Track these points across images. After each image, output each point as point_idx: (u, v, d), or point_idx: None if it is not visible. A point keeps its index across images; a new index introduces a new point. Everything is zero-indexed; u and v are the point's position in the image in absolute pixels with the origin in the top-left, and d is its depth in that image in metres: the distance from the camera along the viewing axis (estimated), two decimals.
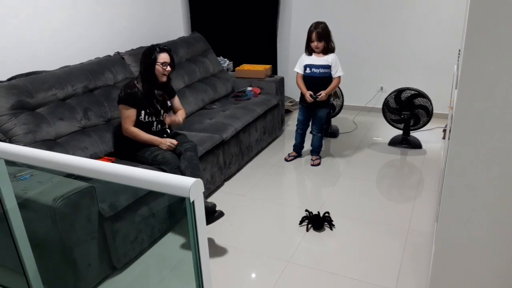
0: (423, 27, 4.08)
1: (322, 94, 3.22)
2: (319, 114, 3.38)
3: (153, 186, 1.23)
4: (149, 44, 3.46)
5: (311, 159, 3.49)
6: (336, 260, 2.32)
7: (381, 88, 4.46)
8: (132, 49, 3.31)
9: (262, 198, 2.99)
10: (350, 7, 4.31)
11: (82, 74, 2.75)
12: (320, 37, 3.16)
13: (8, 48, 2.66)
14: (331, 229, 2.59)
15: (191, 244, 1.25)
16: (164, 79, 2.64)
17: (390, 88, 4.01)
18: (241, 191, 3.09)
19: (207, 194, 2.99)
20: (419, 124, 3.62)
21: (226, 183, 3.22)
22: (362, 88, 4.54)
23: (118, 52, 3.20)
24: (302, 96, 3.33)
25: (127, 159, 2.61)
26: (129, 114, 2.56)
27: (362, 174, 3.27)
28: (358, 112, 4.59)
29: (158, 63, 2.55)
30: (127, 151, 2.65)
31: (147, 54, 2.58)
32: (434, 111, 3.57)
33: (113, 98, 2.86)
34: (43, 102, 2.48)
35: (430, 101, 3.48)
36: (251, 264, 2.32)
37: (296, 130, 3.52)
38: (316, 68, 3.23)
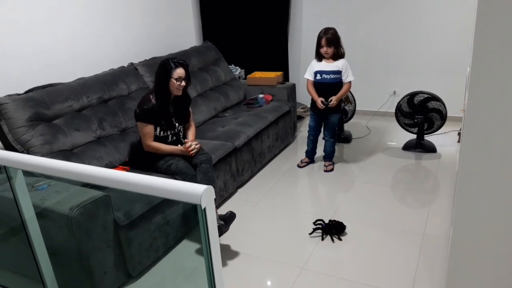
0: (435, 30, 4.05)
1: (333, 100, 3.22)
2: (331, 120, 3.37)
3: (165, 194, 1.26)
4: (162, 54, 3.55)
5: (324, 165, 3.48)
6: (350, 266, 2.31)
7: (394, 92, 4.43)
8: (146, 60, 3.37)
9: (276, 205, 2.99)
10: (361, 12, 4.31)
11: (97, 85, 2.81)
12: (330, 43, 3.17)
13: (23, 59, 2.73)
14: (340, 239, 2.56)
15: (204, 251, 1.27)
16: (179, 93, 2.62)
17: (403, 92, 3.98)
18: (254, 198, 3.10)
19: (220, 201, 3.01)
20: (433, 128, 3.58)
21: (239, 190, 3.23)
22: (375, 92, 4.52)
23: (131, 63, 3.26)
24: (313, 102, 3.34)
25: (141, 169, 2.65)
26: (148, 130, 2.58)
27: (376, 180, 3.25)
28: (371, 117, 4.57)
29: (173, 79, 2.53)
30: (141, 161, 2.69)
31: (162, 69, 2.55)
32: (449, 114, 3.53)
33: (127, 108, 2.91)
34: (59, 113, 2.54)
35: (443, 104, 3.45)
36: (265, 271, 2.32)
37: (308, 137, 3.52)
38: (326, 74, 3.24)
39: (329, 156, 3.51)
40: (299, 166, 3.56)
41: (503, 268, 1.65)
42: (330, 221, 2.63)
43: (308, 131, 3.51)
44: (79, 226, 1.95)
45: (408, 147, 3.71)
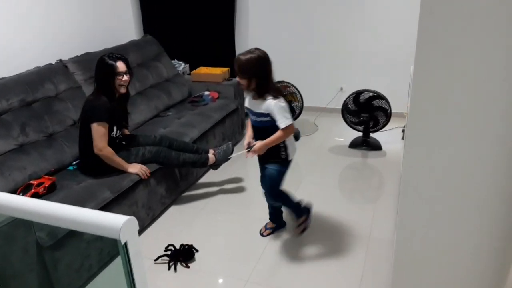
0: (381, 27, 4.06)
1: (256, 146, 2.24)
2: (267, 172, 2.35)
3: (78, 226, 1.09)
4: (95, 50, 3.28)
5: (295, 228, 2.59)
6: (296, 274, 2.23)
7: (341, 89, 4.42)
8: (77, 56, 3.08)
9: (222, 210, 2.87)
10: (309, 6, 4.23)
11: (18, 86, 2.52)
12: (242, 72, 2.14)
13: None
14: (187, 266, 2.33)
15: None
16: (124, 90, 2.50)
17: (350, 88, 3.98)
18: (199, 204, 2.95)
19: (162, 208, 2.83)
20: (378, 125, 3.60)
21: (182, 196, 3.06)
22: (322, 88, 4.49)
23: (60, 60, 2.96)
24: None
25: (93, 175, 2.44)
26: (106, 131, 2.40)
27: (322, 180, 3.21)
28: (319, 113, 4.54)
29: (118, 75, 2.42)
30: (94, 165, 2.47)
31: (103, 68, 2.42)
32: (393, 111, 3.55)
33: (55, 110, 2.65)
34: None
35: (388, 103, 3.46)
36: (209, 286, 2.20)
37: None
38: (253, 115, 2.28)
39: (275, 220, 2.63)
40: (262, 235, 2.61)
41: (447, 270, 1.64)
42: (181, 245, 2.43)
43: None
44: None
45: (354, 145, 3.71)
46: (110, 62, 2.40)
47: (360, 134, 3.72)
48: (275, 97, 2.15)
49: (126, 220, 1.03)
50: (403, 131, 3.76)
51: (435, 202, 1.56)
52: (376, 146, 3.64)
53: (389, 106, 3.46)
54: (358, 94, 3.49)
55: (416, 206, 1.60)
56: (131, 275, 1.11)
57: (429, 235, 1.62)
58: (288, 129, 2.17)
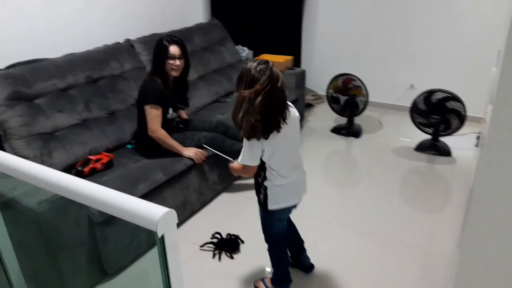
0: (461, 23, 3.71)
1: (232, 163, 1.89)
2: None
3: (117, 212, 1.07)
4: (163, 31, 3.31)
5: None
6: (343, 279, 2.11)
7: (411, 86, 4.13)
8: (144, 36, 3.13)
9: None
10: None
11: (86, 63, 2.60)
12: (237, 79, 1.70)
13: (15, 36, 2.52)
14: (232, 257, 2.30)
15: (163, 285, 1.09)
16: (176, 74, 2.48)
17: (421, 86, 3.69)
18: (249, 194, 2.90)
19: (213, 194, 2.82)
20: (449, 129, 3.30)
21: (234, 184, 3.03)
22: (390, 84, 4.23)
23: (128, 39, 3.02)
24: None
25: (147, 155, 2.49)
26: (158, 114, 2.42)
27: (382, 183, 3.01)
28: (385, 110, 4.28)
29: (168, 58, 2.40)
30: (154, 148, 2.50)
31: (157, 48, 2.44)
32: (468, 114, 3.23)
33: (119, 89, 2.71)
34: (41, 92, 2.34)
35: (463, 105, 3.15)
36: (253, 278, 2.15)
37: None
38: None
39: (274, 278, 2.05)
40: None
41: None
42: (227, 235, 2.39)
43: None
44: (47, 222, 1.78)
45: (421, 147, 3.44)
46: (165, 43, 2.40)
47: (429, 136, 3.44)
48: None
49: (165, 212, 0.98)
50: (477, 137, 3.42)
51: (509, 225, 1.36)
52: (445, 152, 3.35)
53: (464, 109, 3.16)
54: (430, 93, 3.22)
55: (486, 227, 1.41)
56: (166, 268, 1.08)
57: (497, 261, 1.43)
58: (244, 167, 1.75)
